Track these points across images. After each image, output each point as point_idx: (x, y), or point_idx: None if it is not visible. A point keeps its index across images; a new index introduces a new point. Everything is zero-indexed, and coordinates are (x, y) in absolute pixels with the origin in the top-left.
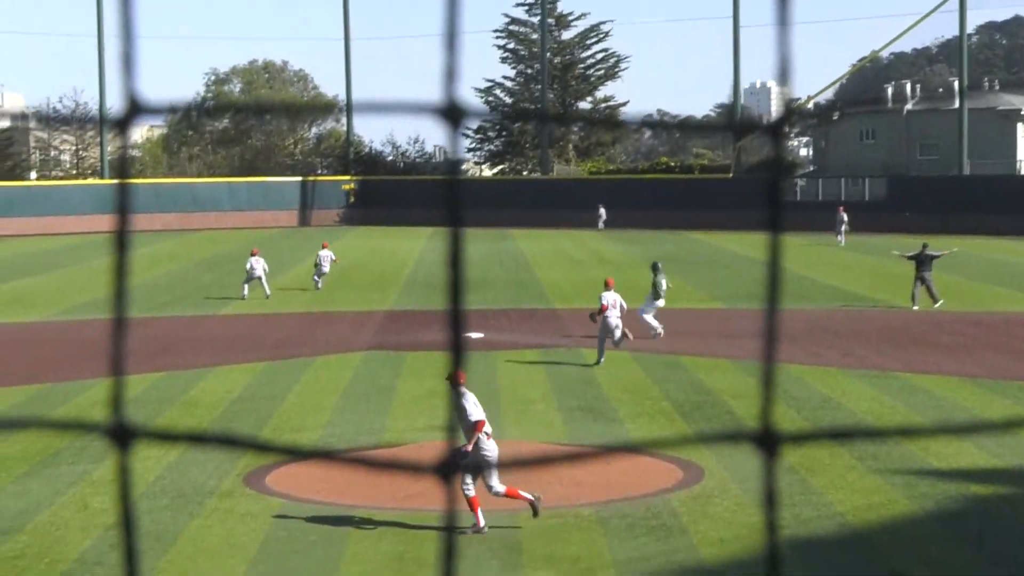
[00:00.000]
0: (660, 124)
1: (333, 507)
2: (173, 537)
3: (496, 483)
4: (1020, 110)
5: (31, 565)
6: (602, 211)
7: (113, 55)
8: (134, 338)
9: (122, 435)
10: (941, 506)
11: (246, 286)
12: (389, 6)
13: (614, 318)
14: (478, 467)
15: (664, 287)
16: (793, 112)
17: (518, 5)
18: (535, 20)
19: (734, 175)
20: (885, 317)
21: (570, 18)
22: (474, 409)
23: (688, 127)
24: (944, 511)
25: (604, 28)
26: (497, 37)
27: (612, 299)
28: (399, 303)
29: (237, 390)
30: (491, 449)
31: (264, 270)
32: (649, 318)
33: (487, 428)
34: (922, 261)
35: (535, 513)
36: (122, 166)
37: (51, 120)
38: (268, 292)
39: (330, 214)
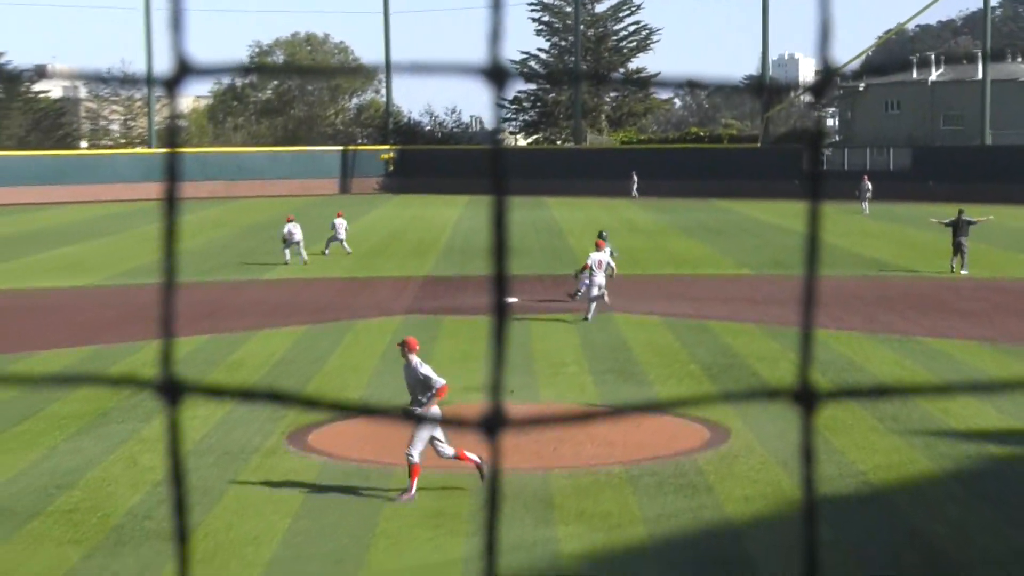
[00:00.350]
0: (696, 85)
1: (372, 465)
2: (219, 493)
3: (445, 447)
4: None
5: (84, 519)
6: (635, 178)
7: (159, 27)
8: (180, 302)
9: (172, 390)
10: (960, 466)
11: (287, 251)
12: None
13: (600, 276)
14: (435, 429)
15: (613, 254)
16: (835, 74)
17: None
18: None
19: (762, 145)
20: (909, 284)
21: (605, 10)
22: (435, 374)
23: (725, 88)
24: (962, 471)
25: (636, 1)
26: (532, 10)
27: (597, 259)
28: (436, 269)
29: (280, 352)
30: (440, 414)
31: (344, 231)
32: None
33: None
34: (959, 227)
35: (482, 476)
36: (171, 129)
37: (104, 80)
38: (304, 258)
39: (369, 182)
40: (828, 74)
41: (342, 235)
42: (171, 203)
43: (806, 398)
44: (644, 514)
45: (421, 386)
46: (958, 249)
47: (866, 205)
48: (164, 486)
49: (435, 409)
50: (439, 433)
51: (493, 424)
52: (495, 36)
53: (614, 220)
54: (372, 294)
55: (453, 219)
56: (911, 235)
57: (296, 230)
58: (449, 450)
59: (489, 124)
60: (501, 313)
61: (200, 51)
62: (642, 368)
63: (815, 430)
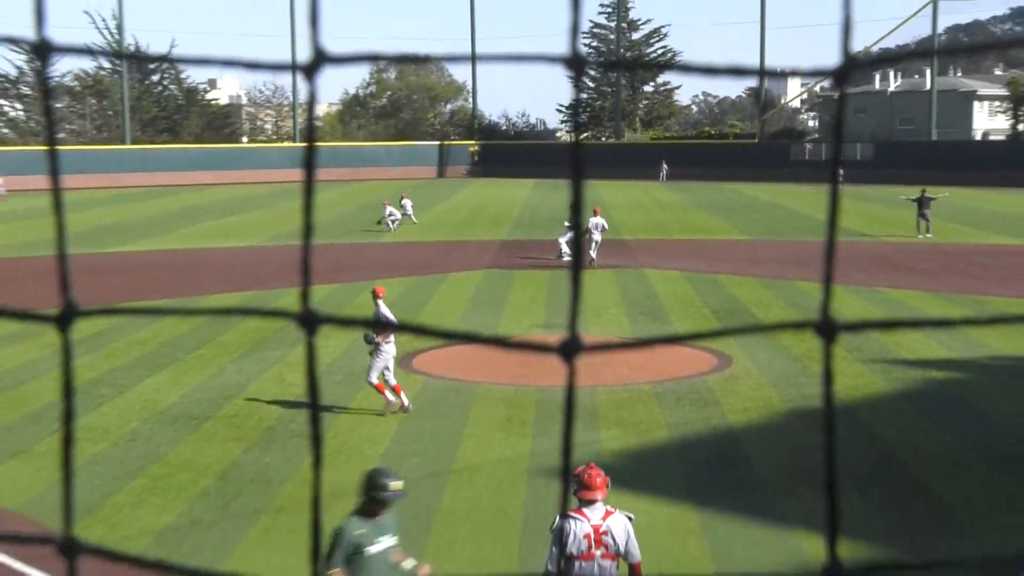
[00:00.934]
0: (719, 71)
1: (462, 383)
2: (345, 404)
3: (391, 376)
4: (976, 91)
5: (244, 422)
6: (664, 166)
7: (300, 54)
8: (315, 259)
9: (310, 322)
10: (909, 387)
11: (391, 223)
12: (509, 12)
13: (597, 234)
14: (388, 361)
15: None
16: (855, 61)
17: (600, 13)
18: (612, 24)
19: (759, 141)
20: (872, 247)
21: (638, 23)
22: (392, 317)
23: (744, 71)
24: (911, 391)
25: (663, 31)
26: (583, 37)
27: (594, 223)
28: (510, 235)
29: (391, 297)
30: (392, 349)
31: (411, 208)
32: (562, 242)
33: (392, 336)
34: (922, 202)
35: (404, 410)
36: (310, 112)
37: (257, 67)
38: (415, 220)
39: (459, 169)
40: (848, 62)
41: (409, 211)
42: (309, 184)
43: (827, 329)
44: (666, 421)
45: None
46: (923, 218)
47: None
48: (304, 398)
49: (392, 347)
50: (391, 365)
51: (570, 349)
52: (574, 31)
53: (646, 198)
54: (461, 254)
55: (523, 197)
56: (875, 210)
57: (408, 204)
58: (393, 380)
59: (552, 122)
60: (578, 262)
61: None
62: (666, 311)
63: (833, 355)
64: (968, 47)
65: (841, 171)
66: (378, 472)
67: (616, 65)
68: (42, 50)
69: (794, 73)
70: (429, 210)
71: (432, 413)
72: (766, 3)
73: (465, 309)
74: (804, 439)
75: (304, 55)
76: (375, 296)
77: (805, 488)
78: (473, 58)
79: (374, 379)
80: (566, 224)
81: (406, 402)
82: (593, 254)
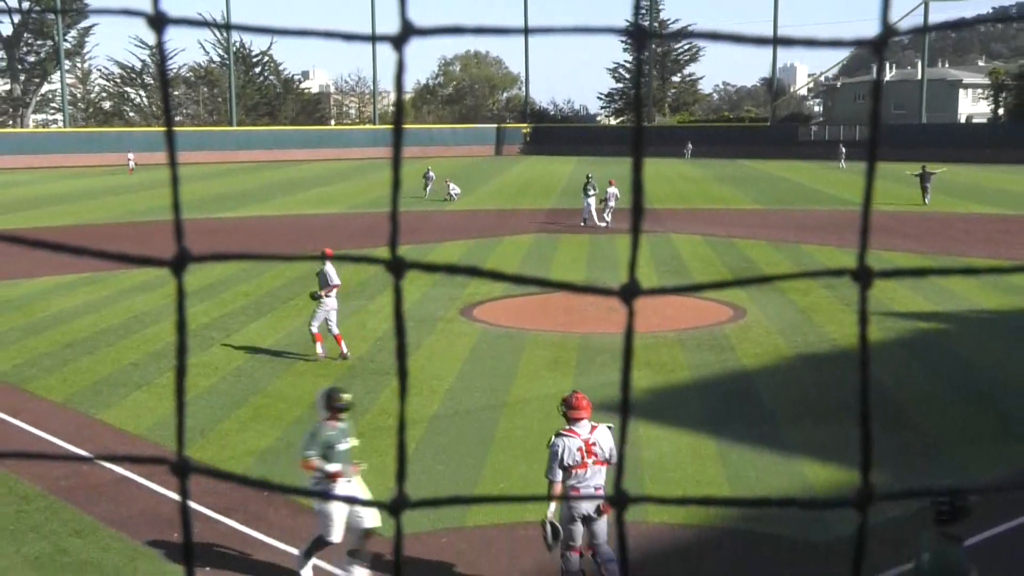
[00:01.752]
0: (750, 39)
1: (515, 329)
2: (416, 346)
3: (334, 327)
4: (961, 80)
5: (329, 361)
6: (689, 145)
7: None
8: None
9: (397, 267)
10: (900, 336)
11: (456, 195)
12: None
13: (612, 202)
14: (328, 313)
15: (592, 191)
16: (892, 31)
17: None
18: (645, 24)
19: (770, 124)
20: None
21: (668, 22)
22: (335, 276)
23: (790, 41)
24: (902, 339)
25: (689, 28)
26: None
27: (610, 192)
28: (556, 204)
29: (456, 256)
30: (333, 303)
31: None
32: (590, 206)
33: (336, 292)
34: (924, 176)
35: (342, 357)
36: (399, 81)
37: (347, 38)
38: (455, 195)
39: (514, 148)
40: (886, 31)
41: (453, 191)
42: (398, 146)
43: (863, 276)
44: (688, 363)
45: (323, 279)
46: (925, 191)
47: (843, 163)
48: (382, 340)
49: (332, 300)
50: (333, 316)
51: (630, 293)
52: (636, 8)
53: (672, 173)
54: (514, 220)
55: (567, 172)
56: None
57: (455, 185)
58: (336, 330)
59: (593, 108)
60: (637, 221)
61: (412, 64)
62: (688, 269)
63: (868, 299)
64: (959, 23)
65: (843, 150)
66: (333, 390)
67: (677, 35)
68: (157, 22)
69: (836, 43)
70: (488, 183)
71: (490, 355)
72: (779, 5)
73: (518, 267)
74: (807, 378)
75: (393, 29)
76: (324, 256)
77: (808, 420)
78: (526, 34)
79: (314, 328)
80: (588, 190)
81: (345, 350)
82: (608, 218)
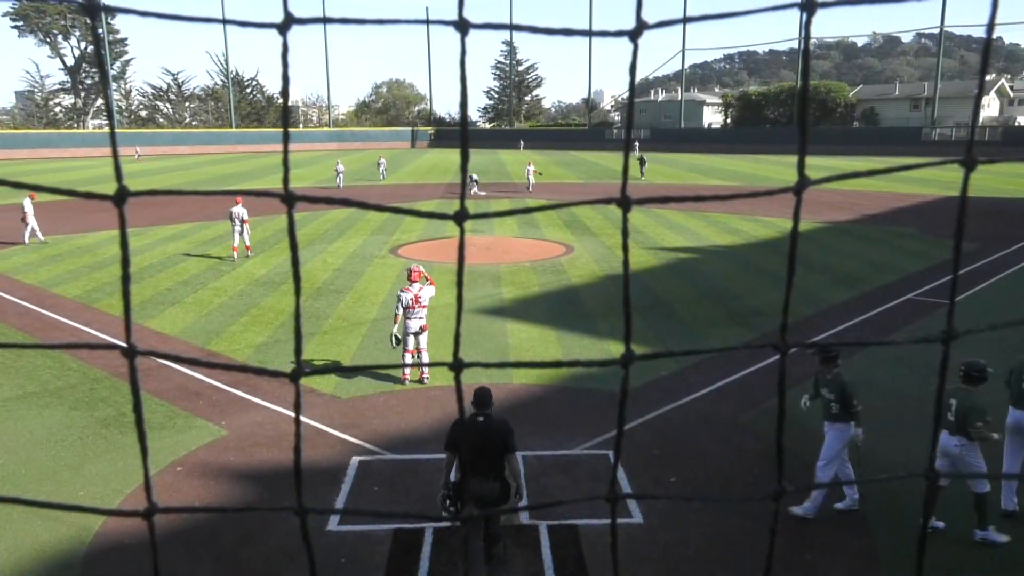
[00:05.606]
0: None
1: (426, 262)
2: (360, 273)
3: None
4: (705, 100)
5: (304, 285)
6: (521, 142)
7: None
8: (340, 194)
9: (289, 199)
10: (667, 262)
11: (384, 173)
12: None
13: (532, 177)
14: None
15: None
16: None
17: (501, 55)
18: (507, 62)
19: (588, 128)
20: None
21: (524, 61)
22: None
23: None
24: (668, 263)
25: (536, 66)
26: (491, 69)
27: (529, 169)
28: (452, 180)
29: (383, 215)
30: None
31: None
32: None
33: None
34: (642, 161)
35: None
36: (284, 59)
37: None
38: (383, 169)
39: (423, 144)
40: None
41: (383, 168)
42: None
43: (624, 205)
44: (538, 282)
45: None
46: (643, 171)
47: (637, 152)
48: (338, 271)
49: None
50: (246, 235)
51: (461, 217)
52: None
53: (524, 159)
54: (424, 190)
55: (457, 160)
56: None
57: (384, 161)
58: (243, 242)
59: (474, 116)
60: (464, 184)
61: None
62: (537, 220)
63: (628, 231)
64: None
65: (637, 144)
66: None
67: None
68: (90, 9)
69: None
70: (407, 166)
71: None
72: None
73: (425, 222)
74: (611, 289)
75: (279, 18)
76: (237, 203)
77: (612, 315)
78: (429, 66)
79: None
80: (472, 177)
81: (236, 257)
82: (530, 187)
